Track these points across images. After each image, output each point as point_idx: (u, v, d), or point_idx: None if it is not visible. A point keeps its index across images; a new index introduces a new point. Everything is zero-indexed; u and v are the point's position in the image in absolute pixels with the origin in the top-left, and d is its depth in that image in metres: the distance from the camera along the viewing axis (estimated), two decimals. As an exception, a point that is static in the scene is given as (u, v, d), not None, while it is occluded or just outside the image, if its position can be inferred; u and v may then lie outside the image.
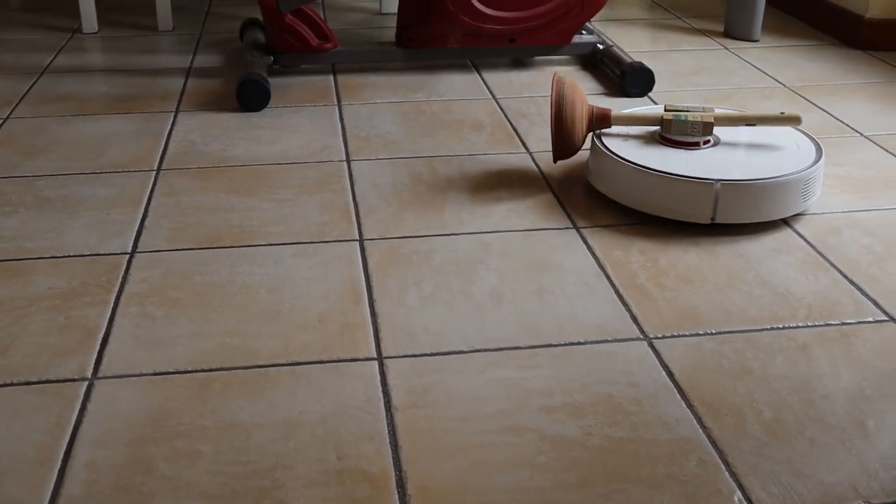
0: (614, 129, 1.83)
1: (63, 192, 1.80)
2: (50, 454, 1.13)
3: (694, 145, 1.75)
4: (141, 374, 1.27)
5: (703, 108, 1.79)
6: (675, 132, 1.74)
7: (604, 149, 1.75)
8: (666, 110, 1.78)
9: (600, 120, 1.79)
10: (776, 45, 2.75)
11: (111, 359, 1.31)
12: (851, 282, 1.51)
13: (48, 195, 1.79)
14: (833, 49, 2.72)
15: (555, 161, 1.82)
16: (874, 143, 2.05)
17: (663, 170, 1.66)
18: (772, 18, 3.03)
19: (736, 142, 1.78)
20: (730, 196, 1.63)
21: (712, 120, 1.74)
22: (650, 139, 1.79)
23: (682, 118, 1.73)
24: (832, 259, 1.58)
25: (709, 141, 1.76)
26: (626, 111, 1.82)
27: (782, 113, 1.77)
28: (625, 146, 1.75)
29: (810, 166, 1.68)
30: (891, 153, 1.99)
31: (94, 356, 1.31)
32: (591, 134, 1.84)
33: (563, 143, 1.77)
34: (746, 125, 1.79)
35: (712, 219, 1.65)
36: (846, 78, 2.47)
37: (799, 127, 1.81)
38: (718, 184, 1.62)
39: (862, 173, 1.90)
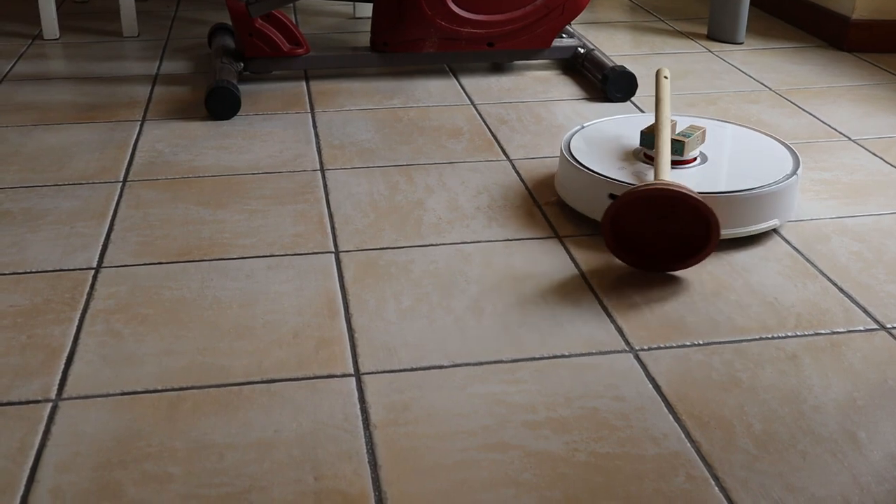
0: (592, 156, 1.73)
1: (24, 205, 1.77)
2: (12, 480, 1.10)
3: (690, 162, 1.69)
4: (108, 395, 1.24)
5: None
6: (689, 150, 1.68)
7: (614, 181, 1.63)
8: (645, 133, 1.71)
9: None
10: (761, 48, 2.74)
11: (76, 379, 1.28)
12: (841, 290, 1.49)
13: (9, 208, 1.75)
14: (819, 51, 2.71)
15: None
16: (862, 146, 2.03)
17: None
18: (756, 20, 3.02)
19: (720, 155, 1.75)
20: None
21: (703, 129, 1.72)
22: (635, 160, 1.71)
23: (691, 135, 1.67)
24: (821, 266, 1.55)
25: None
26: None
27: (665, 77, 1.79)
28: (626, 175, 1.65)
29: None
30: (879, 157, 1.97)
31: (59, 376, 1.28)
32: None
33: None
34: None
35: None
36: (832, 81, 2.46)
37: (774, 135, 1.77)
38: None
39: (850, 178, 1.88)
